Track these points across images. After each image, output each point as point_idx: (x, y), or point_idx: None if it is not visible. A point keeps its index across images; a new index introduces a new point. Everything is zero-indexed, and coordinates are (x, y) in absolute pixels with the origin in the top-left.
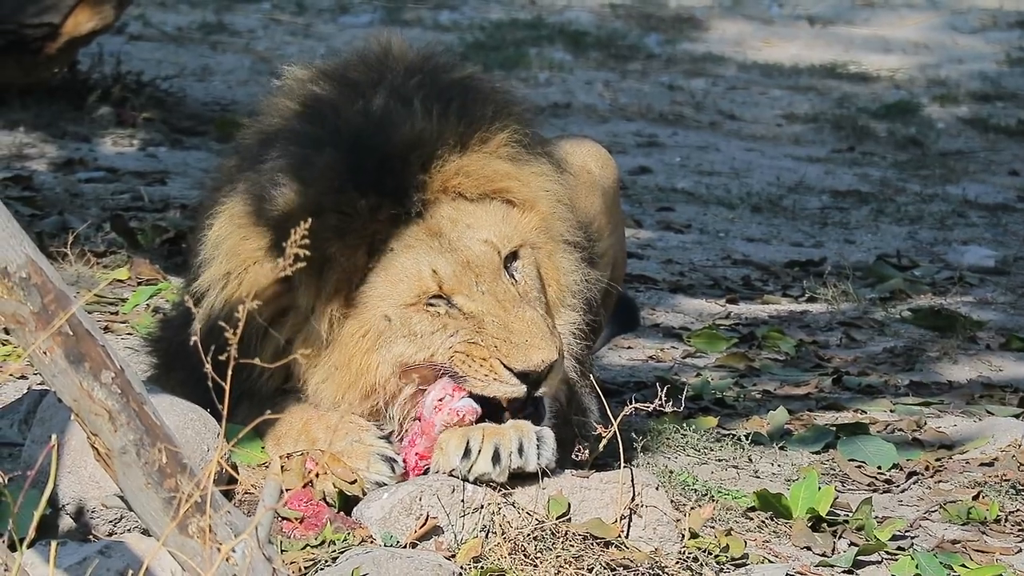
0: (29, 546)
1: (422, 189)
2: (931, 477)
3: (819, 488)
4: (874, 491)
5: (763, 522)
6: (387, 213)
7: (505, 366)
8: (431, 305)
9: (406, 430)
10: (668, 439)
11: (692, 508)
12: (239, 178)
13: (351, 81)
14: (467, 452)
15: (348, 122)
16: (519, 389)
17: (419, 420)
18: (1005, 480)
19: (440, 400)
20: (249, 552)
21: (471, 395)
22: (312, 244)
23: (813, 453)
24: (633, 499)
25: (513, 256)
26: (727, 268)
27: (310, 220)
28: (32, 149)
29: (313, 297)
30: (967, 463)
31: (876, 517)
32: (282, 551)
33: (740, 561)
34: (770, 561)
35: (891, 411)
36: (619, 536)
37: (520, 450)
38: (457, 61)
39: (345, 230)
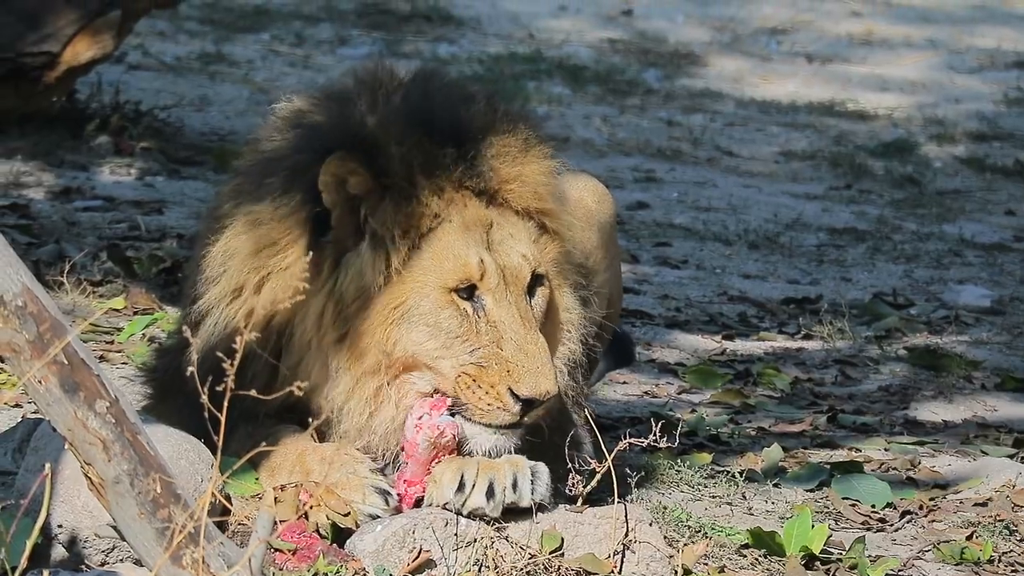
0: (21, 575)
1: (489, 179)
2: (925, 516)
3: (813, 526)
4: (868, 530)
5: (756, 559)
6: (459, 180)
7: (512, 392)
8: (464, 299)
9: (401, 462)
10: (662, 475)
11: (686, 544)
12: (247, 190)
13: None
14: (461, 486)
15: (414, 102)
16: (515, 417)
17: (402, 448)
18: (999, 520)
19: (419, 419)
20: None
21: (450, 411)
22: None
23: (807, 491)
24: (627, 535)
25: (537, 280)
26: (723, 304)
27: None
28: (30, 177)
29: (371, 265)
30: (961, 503)
31: (869, 556)
32: None
33: None
34: None
35: (886, 450)
36: (612, 572)
37: (514, 485)
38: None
39: (426, 181)
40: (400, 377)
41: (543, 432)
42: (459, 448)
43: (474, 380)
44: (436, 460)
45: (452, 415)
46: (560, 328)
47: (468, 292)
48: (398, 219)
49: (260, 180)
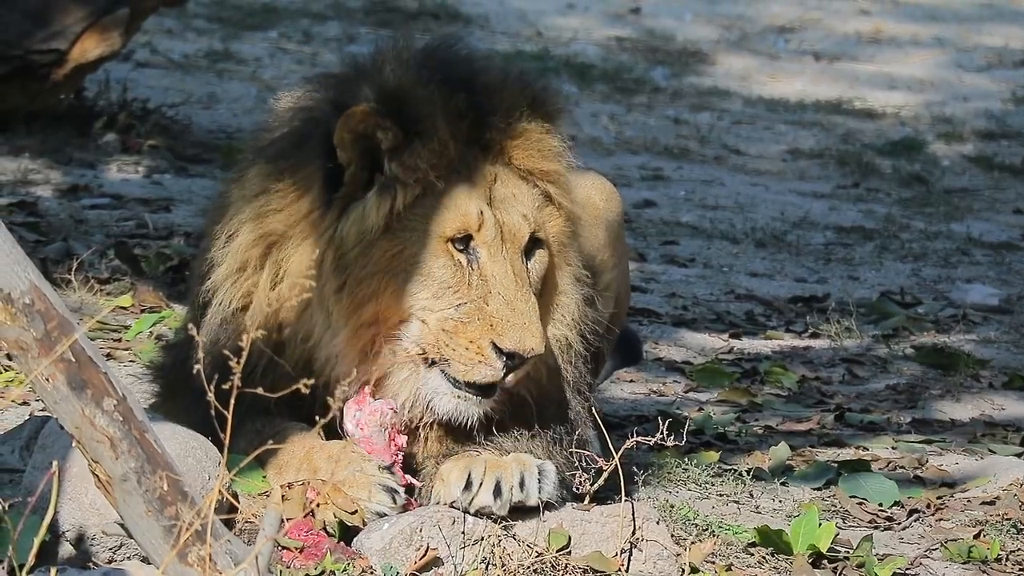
0: (29, 573)
1: (498, 131)
2: (932, 515)
3: (820, 524)
4: (875, 528)
5: (764, 558)
6: (469, 131)
7: (495, 346)
8: (459, 250)
9: None
10: (669, 473)
11: (693, 543)
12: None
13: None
14: (468, 484)
15: (430, 56)
16: (498, 374)
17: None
18: (1006, 519)
19: (356, 419)
20: None
21: (374, 398)
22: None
23: (814, 489)
24: (634, 533)
25: (536, 244)
26: (730, 303)
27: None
28: (37, 175)
29: (376, 208)
30: (968, 501)
31: (877, 554)
32: None
33: None
34: None
35: (893, 448)
36: (619, 570)
37: (521, 484)
38: None
39: (447, 126)
40: (395, 330)
41: (530, 409)
42: (408, 424)
43: (457, 334)
44: (392, 440)
45: (376, 399)
46: (554, 307)
47: (464, 243)
48: (420, 164)
49: (270, 153)
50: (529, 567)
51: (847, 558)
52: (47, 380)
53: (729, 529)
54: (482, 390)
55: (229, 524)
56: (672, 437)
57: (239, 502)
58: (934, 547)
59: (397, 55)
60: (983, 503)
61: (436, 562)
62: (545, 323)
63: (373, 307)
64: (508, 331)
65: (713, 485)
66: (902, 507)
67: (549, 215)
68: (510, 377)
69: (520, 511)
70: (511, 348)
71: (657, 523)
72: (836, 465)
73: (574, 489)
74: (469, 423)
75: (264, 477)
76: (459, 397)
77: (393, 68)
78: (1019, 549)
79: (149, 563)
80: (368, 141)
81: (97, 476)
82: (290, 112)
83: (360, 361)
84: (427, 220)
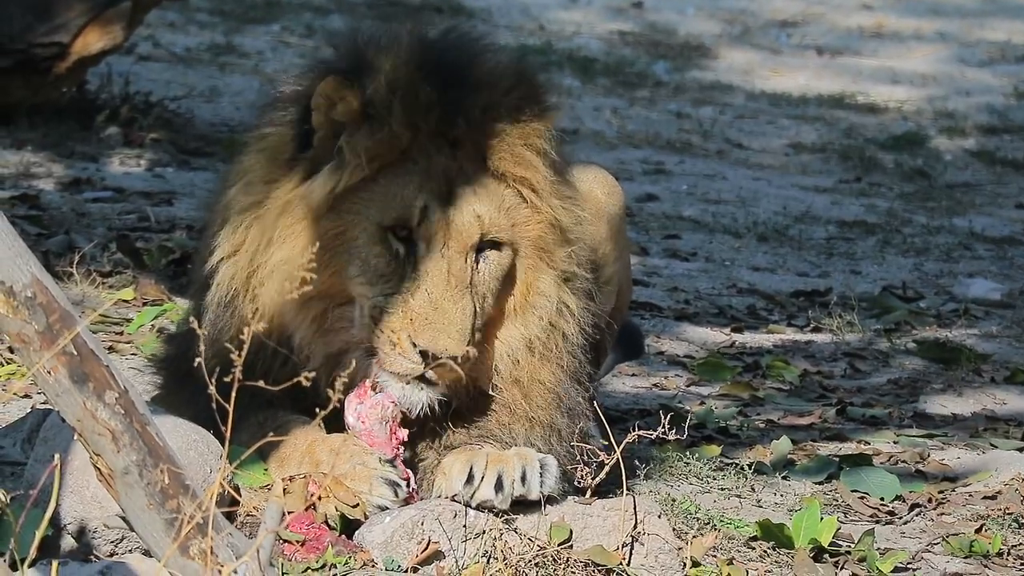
0: (30, 566)
1: (470, 129)
2: (934, 509)
3: (821, 519)
4: (876, 522)
5: (765, 552)
6: (435, 124)
7: (412, 341)
8: (398, 239)
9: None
10: (671, 467)
11: (694, 537)
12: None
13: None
14: (470, 478)
15: (420, 43)
16: (417, 368)
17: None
18: (1008, 513)
19: (357, 413)
20: (250, 574)
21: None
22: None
23: (816, 483)
24: (635, 527)
25: (492, 245)
26: (732, 297)
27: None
28: (39, 168)
29: (323, 183)
30: (970, 496)
31: (878, 549)
32: (283, 574)
33: None
34: None
35: (895, 443)
36: (620, 564)
37: (523, 478)
38: None
39: (403, 114)
40: (344, 309)
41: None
42: (405, 416)
43: (381, 322)
44: (394, 433)
45: (377, 391)
46: (528, 307)
47: (405, 234)
48: (367, 145)
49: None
50: (530, 561)
51: (849, 552)
52: (49, 373)
53: (731, 523)
54: (421, 379)
55: (231, 517)
56: (674, 431)
57: (241, 495)
58: (936, 541)
59: (395, 39)
60: (984, 497)
61: (437, 555)
62: (510, 320)
63: (317, 280)
64: (425, 329)
65: (715, 479)
66: (904, 501)
67: (525, 217)
68: (430, 373)
69: (522, 505)
70: (424, 346)
71: (659, 517)
72: (838, 459)
73: (575, 483)
74: (418, 411)
75: (266, 470)
76: (407, 383)
77: (382, 50)
78: (1021, 543)
79: (151, 556)
80: (334, 111)
81: (99, 469)
82: (285, 90)
83: (316, 335)
84: (370, 205)
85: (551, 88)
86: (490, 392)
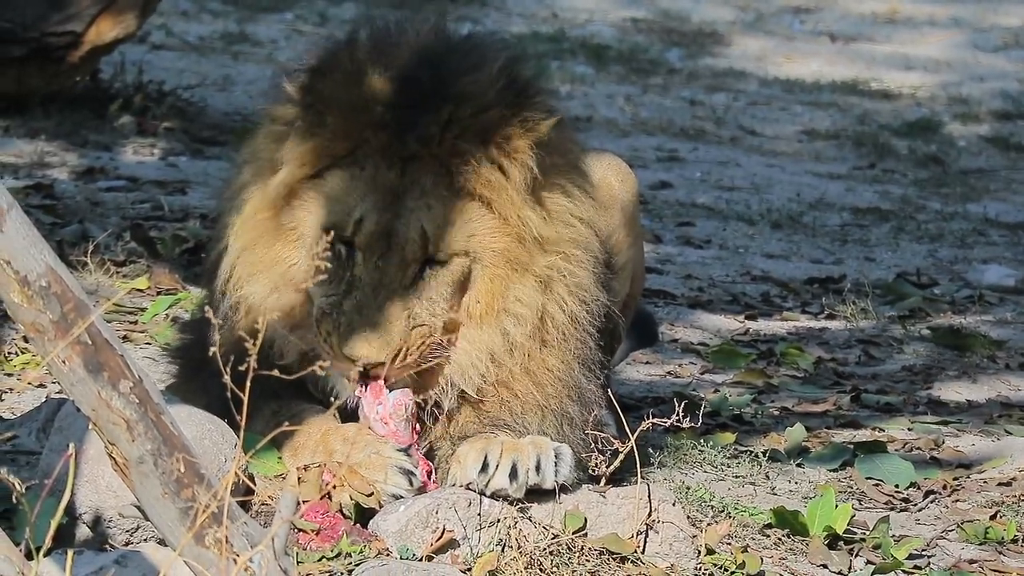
0: (46, 555)
1: (426, 146)
2: (948, 496)
3: (836, 506)
4: (891, 509)
5: (780, 539)
6: (384, 140)
7: (340, 346)
8: (341, 241)
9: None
10: (685, 455)
11: (709, 524)
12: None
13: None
14: (485, 466)
15: (409, 50)
16: (355, 370)
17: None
18: (1023, 500)
19: (380, 414)
20: (265, 563)
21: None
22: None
23: (830, 471)
24: (650, 515)
25: (440, 263)
26: (746, 284)
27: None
28: (53, 157)
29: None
30: (985, 482)
31: (893, 535)
32: (298, 563)
33: None
34: None
35: (909, 429)
36: (635, 552)
37: (537, 467)
38: None
39: (341, 122)
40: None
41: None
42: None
43: (319, 323)
44: (414, 427)
45: (390, 389)
46: (500, 314)
47: (348, 239)
48: (300, 150)
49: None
50: (545, 549)
51: (863, 539)
52: (63, 362)
53: (745, 511)
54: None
55: (245, 506)
56: (688, 419)
57: (255, 484)
58: (950, 528)
59: (375, 44)
60: (999, 484)
61: (452, 544)
62: (469, 325)
63: (284, 274)
64: (347, 335)
65: (729, 467)
66: (918, 488)
67: (489, 229)
68: (373, 373)
69: (536, 493)
70: (346, 352)
71: (673, 505)
72: (852, 446)
73: (590, 471)
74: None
75: (280, 459)
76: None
77: (360, 50)
78: None
79: (165, 545)
80: (286, 111)
81: (113, 458)
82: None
83: (288, 330)
84: (315, 208)
85: (545, 98)
86: (472, 393)
